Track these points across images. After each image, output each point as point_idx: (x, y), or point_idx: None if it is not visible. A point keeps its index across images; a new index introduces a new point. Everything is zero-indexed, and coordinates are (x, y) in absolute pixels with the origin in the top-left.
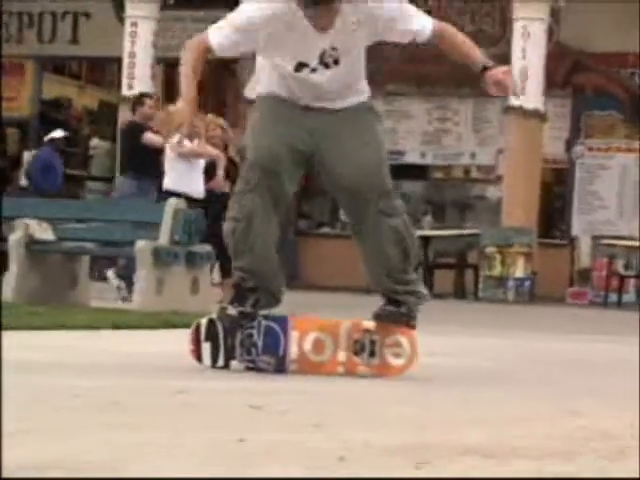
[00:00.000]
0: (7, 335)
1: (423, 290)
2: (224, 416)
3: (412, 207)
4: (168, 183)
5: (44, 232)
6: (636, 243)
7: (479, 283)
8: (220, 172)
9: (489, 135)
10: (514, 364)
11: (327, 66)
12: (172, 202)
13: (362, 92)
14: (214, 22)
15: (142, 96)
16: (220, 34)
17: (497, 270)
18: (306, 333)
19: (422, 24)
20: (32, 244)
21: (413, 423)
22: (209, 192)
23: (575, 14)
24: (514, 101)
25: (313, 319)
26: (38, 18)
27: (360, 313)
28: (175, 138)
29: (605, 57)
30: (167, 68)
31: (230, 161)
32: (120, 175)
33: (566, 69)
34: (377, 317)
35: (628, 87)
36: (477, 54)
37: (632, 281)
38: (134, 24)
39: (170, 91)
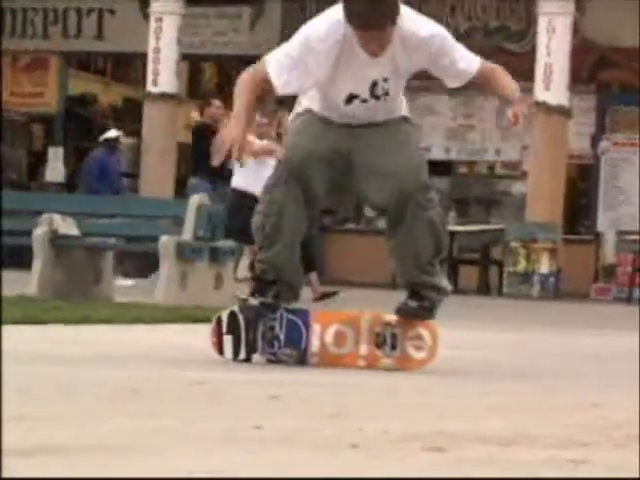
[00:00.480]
0: (32, 329)
1: (447, 285)
2: (241, 405)
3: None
4: (237, 182)
5: (68, 227)
6: None
7: (503, 279)
8: None
9: (514, 131)
10: (536, 357)
11: (377, 98)
12: (195, 198)
13: (401, 108)
14: (238, 19)
15: (208, 97)
16: (279, 67)
17: (521, 266)
18: (328, 326)
19: (467, 64)
20: (56, 239)
21: (432, 412)
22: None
23: (600, 9)
24: (539, 96)
25: (334, 312)
26: (63, 14)
27: (384, 308)
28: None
29: (630, 52)
30: (192, 64)
31: None
32: (193, 176)
33: (591, 64)
34: (399, 311)
35: None
36: (511, 90)
37: None
38: (159, 20)
39: (194, 87)
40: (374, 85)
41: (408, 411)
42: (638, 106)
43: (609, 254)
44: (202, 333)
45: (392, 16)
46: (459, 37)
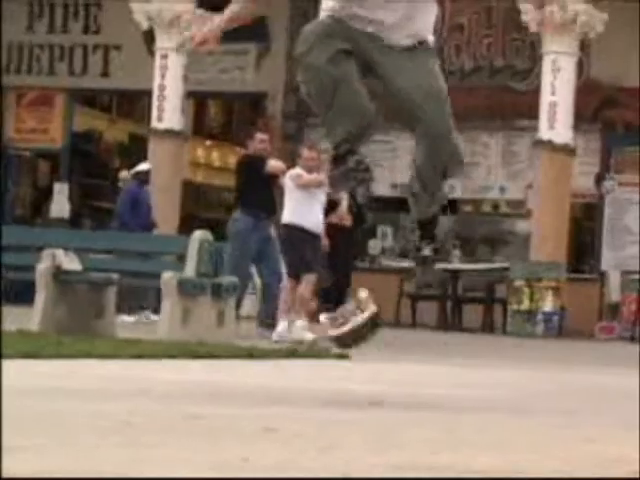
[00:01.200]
0: (34, 363)
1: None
2: (234, 438)
3: (441, 241)
4: (286, 216)
5: (71, 262)
6: None
7: (507, 317)
8: (343, 204)
9: (518, 169)
10: (537, 395)
11: None
12: (198, 234)
13: (425, 32)
14: (244, 56)
15: (252, 130)
16: None
17: (525, 304)
18: None
19: None
20: (59, 274)
21: (426, 446)
22: (332, 226)
23: (605, 49)
24: (543, 135)
25: None
26: (69, 51)
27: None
28: (295, 170)
29: (635, 92)
30: (197, 102)
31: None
32: (236, 211)
33: (596, 104)
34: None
35: None
36: None
37: None
38: (164, 57)
39: (200, 125)
40: None
41: (403, 445)
42: None
43: (613, 293)
44: (202, 369)
45: None
46: (464, 76)
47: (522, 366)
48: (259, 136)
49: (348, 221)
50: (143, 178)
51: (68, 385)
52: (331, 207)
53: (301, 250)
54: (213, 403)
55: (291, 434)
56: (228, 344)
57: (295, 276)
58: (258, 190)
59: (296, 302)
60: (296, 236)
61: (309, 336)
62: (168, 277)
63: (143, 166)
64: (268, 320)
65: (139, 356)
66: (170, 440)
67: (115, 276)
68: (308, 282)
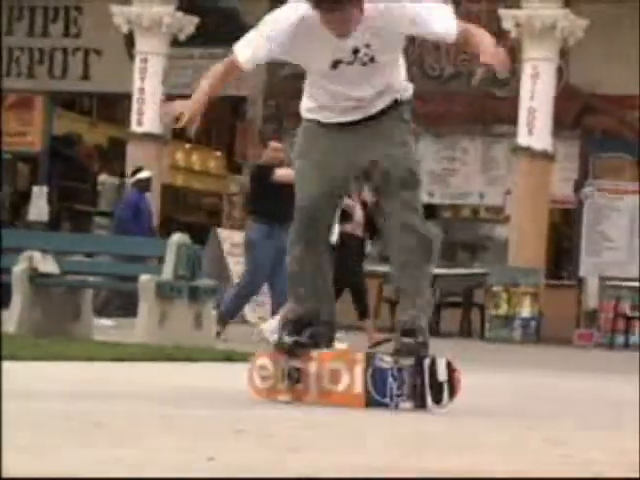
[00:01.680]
0: (9, 365)
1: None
2: (203, 439)
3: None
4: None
5: (48, 265)
6: None
7: (485, 322)
8: (358, 214)
9: (498, 175)
10: (512, 399)
11: (364, 64)
12: (175, 237)
13: (400, 90)
14: (223, 59)
15: (267, 140)
16: (247, 48)
17: (503, 309)
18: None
19: (446, 27)
20: (36, 277)
21: (396, 448)
22: (346, 235)
23: (585, 56)
24: (522, 141)
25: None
26: (49, 54)
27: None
28: None
29: (614, 99)
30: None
31: (363, 204)
32: (250, 220)
33: (576, 110)
34: (397, 352)
35: (637, 129)
36: (488, 41)
37: (639, 323)
38: (144, 60)
39: (179, 129)
40: (356, 51)
41: (374, 447)
42: (621, 153)
43: (591, 300)
44: (177, 372)
45: None
46: (444, 81)
47: (501, 371)
48: (273, 144)
49: (360, 230)
50: (144, 185)
51: (42, 387)
52: (344, 216)
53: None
54: (185, 405)
55: (261, 435)
56: (205, 347)
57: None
58: (270, 199)
59: None
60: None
61: (342, 346)
62: (145, 280)
63: (144, 174)
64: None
65: (115, 359)
66: (138, 441)
67: (91, 279)
68: None
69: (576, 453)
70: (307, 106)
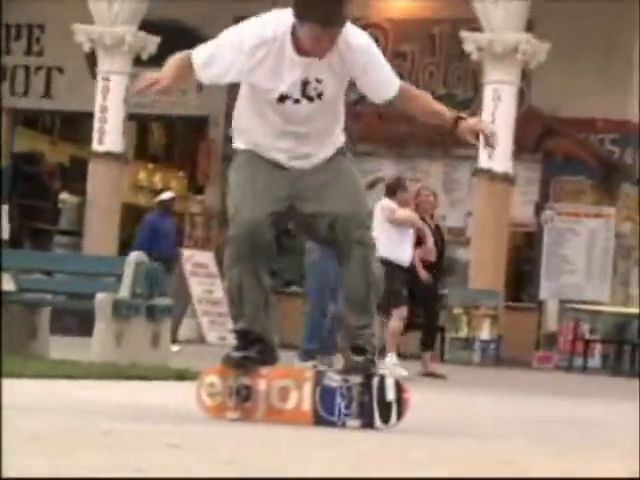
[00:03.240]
0: None
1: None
2: (137, 452)
3: None
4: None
5: (5, 282)
6: (602, 308)
7: (445, 344)
8: (430, 241)
9: (459, 197)
10: (466, 419)
11: (310, 99)
12: (133, 255)
13: (337, 142)
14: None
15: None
16: (207, 64)
17: (463, 332)
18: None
19: (391, 79)
20: None
21: (331, 464)
22: (419, 262)
23: (546, 79)
24: (483, 164)
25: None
26: (11, 71)
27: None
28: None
29: (575, 123)
30: (140, 125)
31: (437, 227)
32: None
33: (537, 133)
34: (346, 370)
35: (597, 153)
36: (446, 110)
37: (597, 346)
38: (106, 79)
39: (143, 148)
40: (305, 84)
41: (310, 462)
42: (582, 176)
43: (551, 322)
44: (128, 389)
45: (346, 18)
46: None
47: (459, 392)
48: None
49: (433, 257)
50: (166, 206)
51: None
52: (417, 242)
53: (391, 285)
54: (126, 421)
55: (196, 449)
56: (160, 366)
57: (383, 311)
58: None
59: (387, 337)
60: (386, 271)
61: (401, 372)
62: (102, 298)
63: (166, 195)
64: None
65: (68, 376)
66: (76, 454)
67: (49, 297)
68: (398, 316)
69: (522, 472)
70: (245, 135)
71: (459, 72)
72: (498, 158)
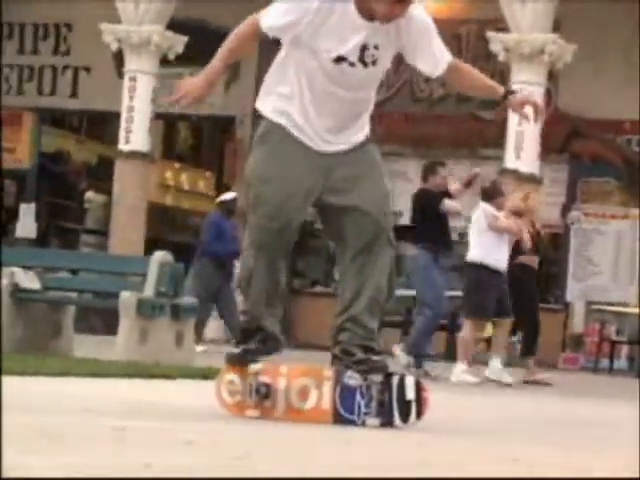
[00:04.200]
0: None
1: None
2: (150, 448)
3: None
4: (475, 254)
5: (30, 281)
6: (628, 309)
7: None
8: (527, 245)
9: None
10: (485, 418)
11: (365, 65)
12: (158, 255)
13: (367, 127)
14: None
15: (435, 164)
16: (271, 15)
17: (488, 332)
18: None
19: (444, 53)
20: (17, 292)
21: (344, 463)
22: (520, 266)
23: (573, 81)
24: (510, 164)
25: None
26: (39, 71)
27: None
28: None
29: (602, 124)
30: (167, 124)
31: (538, 234)
32: (414, 245)
33: (563, 135)
34: (365, 371)
35: (625, 154)
36: (497, 85)
37: (624, 347)
38: (133, 79)
39: (169, 147)
40: (364, 48)
41: (320, 462)
42: (609, 177)
43: (577, 324)
44: (148, 388)
45: None
46: (433, 103)
47: (482, 393)
48: (442, 172)
49: (535, 263)
50: (228, 207)
51: (10, 400)
52: (514, 249)
53: (480, 294)
54: (144, 418)
55: (209, 445)
56: (183, 365)
57: (479, 318)
58: (434, 225)
59: (494, 343)
60: (485, 276)
61: (507, 378)
62: (126, 297)
63: (228, 195)
64: (422, 352)
65: (92, 375)
66: (90, 450)
67: (73, 295)
68: (475, 328)
69: (527, 470)
70: (281, 92)
71: (485, 72)
72: (525, 159)
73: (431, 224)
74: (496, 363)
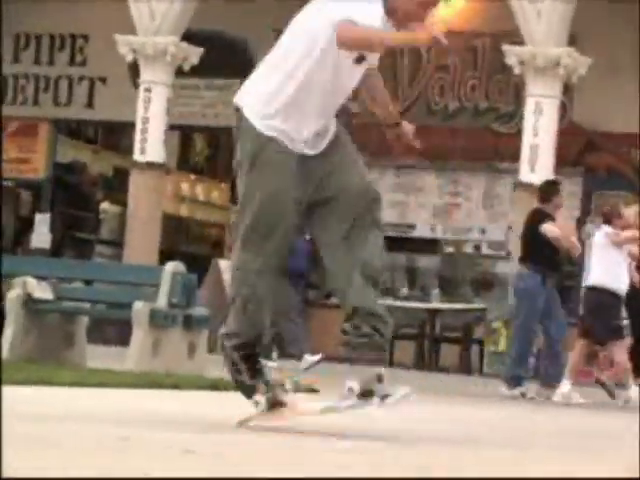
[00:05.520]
0: None
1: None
2: (150, 457)
3: (423, 281)
4: (597, 277)
5: (43, 291)
6: None
7: (484, 358)
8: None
9: (500, 211)
10: (492, 430)
11: (359, 62)
12: (171, 265)
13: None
14: (229, 90)
15: (557, 185)
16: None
17: (502, 345)
18: None
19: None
20: (30, 302)
21: (344, 471)
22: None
23: (588, 93)
24: (524, 177)
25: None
26: (55, 82)
27: None
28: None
29: (616, 137)
30: (183, 136)
31: None
32: (523, 264)
33: (578, 148)
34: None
35: (639, 168)
36: (396, 110)
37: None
38: (148, 90)
39: (185, 158)
40: None
41: (308, 467)
42: (624, 191)
43: None
44: (155, 398)
45: None
46: (448, 116)
47: (492, 406)
48: (562, 199)
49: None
50: None
51: (13, 408)
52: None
53: (612, 316)
54: (148, 428)
55: (209, 454)
56: (194, 375)
57: (598, 341)
58: (545, 247)
59: (616, 370)
60: (608, 301)
61: (578, 399)
62: (139, 307)
63: None
64: (553, 381)
65: (102, 385)
66: (91, 460)
67: (86, 306)
68: (624, 348)
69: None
70: (286, 101)
71: (501, 85)
72: (540, 172)
73: (541, 246)
74: (566, 384)
